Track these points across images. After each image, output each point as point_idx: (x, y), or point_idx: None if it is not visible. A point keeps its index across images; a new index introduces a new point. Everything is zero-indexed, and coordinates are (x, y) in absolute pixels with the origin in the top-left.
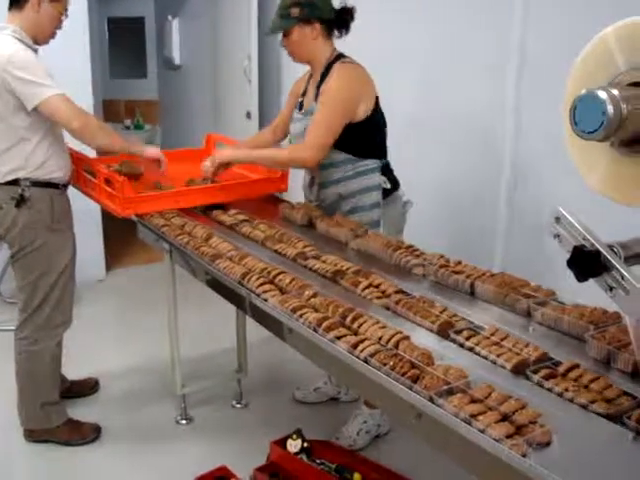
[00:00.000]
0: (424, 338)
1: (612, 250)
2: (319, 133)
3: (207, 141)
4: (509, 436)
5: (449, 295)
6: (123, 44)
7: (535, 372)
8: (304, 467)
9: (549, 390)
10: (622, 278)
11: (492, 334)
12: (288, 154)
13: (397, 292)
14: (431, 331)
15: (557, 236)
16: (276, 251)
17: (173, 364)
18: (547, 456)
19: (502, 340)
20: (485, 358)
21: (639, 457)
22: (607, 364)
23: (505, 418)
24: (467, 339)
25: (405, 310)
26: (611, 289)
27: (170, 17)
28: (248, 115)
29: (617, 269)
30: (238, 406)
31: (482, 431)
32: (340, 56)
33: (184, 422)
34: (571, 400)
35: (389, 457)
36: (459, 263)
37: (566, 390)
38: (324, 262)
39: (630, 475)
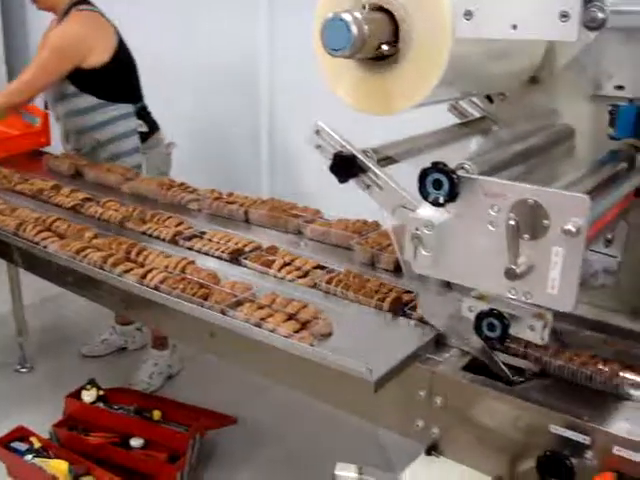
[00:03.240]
0: (369, 316)
1: (366, 154)
2: (28, 73)
3: None
4: (296, 331)
5: (226, 224)
6: None
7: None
8: (102, 414)
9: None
10: (376, 177)
11: None
12: None
13: (315, 267)
14: (380, 309)
15: (318, 147)
16: (145, 233)
17: None
18: (331, 344)
19: None
20: None
21: (396, 331)
22: (372, 265)
23: (291, 317)
24: None
25: (341, 289)
26: (368, 187)
27: None
28: None
29: (371, 170)
30: (23, 370)
31: (272, 331)
32: (80, 2)
33: None
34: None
35: (184, 393)
36: (231, 194)
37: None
38: (211, 240)
39: (391, 344)
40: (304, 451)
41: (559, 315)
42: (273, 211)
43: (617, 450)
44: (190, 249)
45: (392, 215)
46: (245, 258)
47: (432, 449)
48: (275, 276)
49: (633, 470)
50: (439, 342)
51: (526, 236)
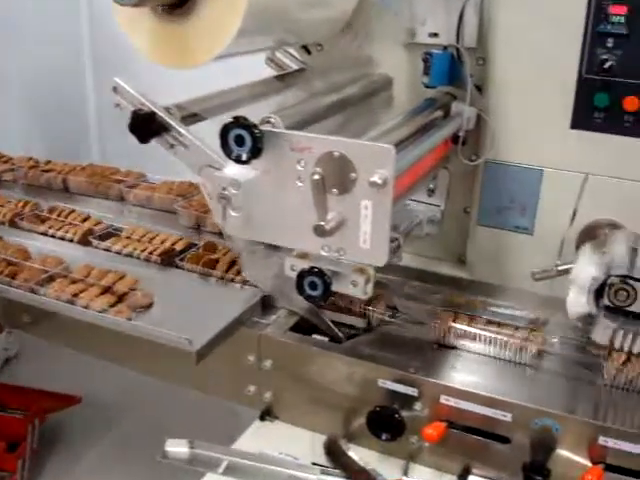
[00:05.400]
0: (194, 283)
1: (168, 111)
2: None
3: None
4: (112, 305)
5: (44, 194)
6: None
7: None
8: None
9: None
10: (180, 135)
11: None
12: None
13: None
14: None
15: (118, 105)
16: (45, 234)
17: None
18: (152, 315)
19: None
20: None
21: (221, 296)
22: (198, 229)
23: (107, 290)
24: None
25: None
26: (172, 146)
27: None
28: None
29: (174, 128)
30: None
31: (86, 307)
32: None
33: None
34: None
35: (24, 377)
36: (49, 162)
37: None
38: (130, 238)
39: (216, 310)
40: (153, 427)
41: (385, 267)
42: (93, 177)
43: (445, 399)
44: (107, 251)
45: (198, 175)
46: (181, 259)
47: (266, 414)
48: (222, 278)
49: (462, 417)
50: (266, 304)
51: (334, 191)
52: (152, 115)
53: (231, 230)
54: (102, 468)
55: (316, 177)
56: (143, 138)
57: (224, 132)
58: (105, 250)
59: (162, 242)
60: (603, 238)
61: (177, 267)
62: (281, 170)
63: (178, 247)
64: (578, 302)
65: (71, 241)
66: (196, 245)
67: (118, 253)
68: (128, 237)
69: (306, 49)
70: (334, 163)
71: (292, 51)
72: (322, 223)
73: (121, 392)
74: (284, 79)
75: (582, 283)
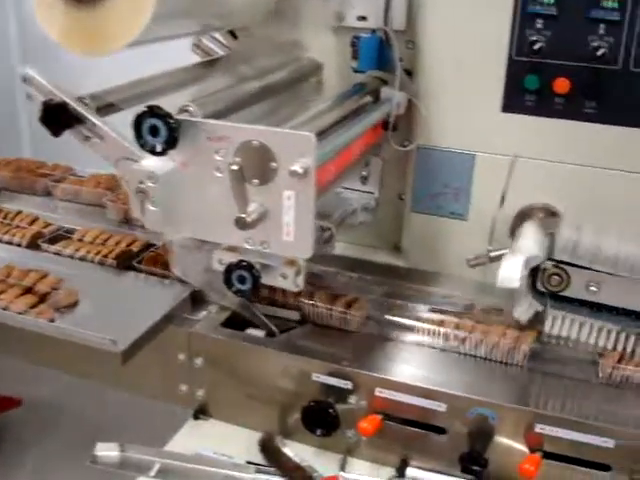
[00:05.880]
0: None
1: (82, 102)
2: None
3: None
4: (34, 306)
5: None
6: None
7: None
8: None
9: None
10: (94, 127)
11: None
12: None
13: None
14: None
15: (29, 97)
16: None
17: None
18: (76, 314)
19: None
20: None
21: (150, 292)
22: (127, 223)
23: (29, 291)
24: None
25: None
26: (87, 139)
27: None
28: None
29: (88, 119)
30: None
31: (5, 309)
32: None
33: None
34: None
35: None
36: None
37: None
38: (82, 241)
39: (144, 308)
40: (97, 427)
41: (319, 258)
42: (19, 172)
43: (379, 392)
44: (58, 255)
45: (115, 168)
46: (139, 262)
47: (200, 412)
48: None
49: (397, 410)
50: (197, 300)
51: (255, 181)
52: (64, 106)
53: (151, 225)
54: (45, 471)
55: (235, 167)
56: (55, 131)
57: (137, 122)
58: (56, 254)
59: (117, 243)
60: (550, 220)
61: (135, 270)
62: (200, 161)
63: (134, 248)
64: (511, 273)
65: (19, 245)
66: (154, 245)
67: (70, 257)
68: (80, 240)
69: (232, 34)
70: (254, 152)
71: (218, 36)
72: (243, 215)
73: (62, 393)
74: (208, 65)
75: (522, 257)
